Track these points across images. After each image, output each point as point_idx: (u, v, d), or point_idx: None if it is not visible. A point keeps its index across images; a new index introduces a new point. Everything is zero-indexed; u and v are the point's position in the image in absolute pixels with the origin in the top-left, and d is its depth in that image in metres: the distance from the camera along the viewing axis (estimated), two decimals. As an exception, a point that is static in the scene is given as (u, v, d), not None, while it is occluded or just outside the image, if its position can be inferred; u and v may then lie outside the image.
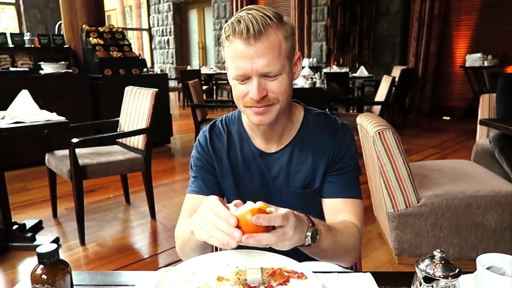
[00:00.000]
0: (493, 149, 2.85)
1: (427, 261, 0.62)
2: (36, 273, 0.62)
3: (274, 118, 0.92)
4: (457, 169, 2.35)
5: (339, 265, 0.95)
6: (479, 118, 3.15)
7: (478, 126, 3.21)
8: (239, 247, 0.72)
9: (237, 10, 9.64)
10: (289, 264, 0.78)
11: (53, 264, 0.62)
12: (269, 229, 0.70)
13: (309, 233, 0.77)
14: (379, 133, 1.95)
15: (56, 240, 2.44)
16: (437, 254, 0.61)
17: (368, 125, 2.08)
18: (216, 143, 1.05)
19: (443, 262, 0.61)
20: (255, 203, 0.73)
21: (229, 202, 1.07)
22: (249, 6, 0.90)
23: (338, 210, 0.97)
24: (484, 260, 0.69)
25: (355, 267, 1.14)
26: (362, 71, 7.24)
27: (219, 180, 1.04)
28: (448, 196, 2.01)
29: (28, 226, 2.56)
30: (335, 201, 0.98)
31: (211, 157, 1.04)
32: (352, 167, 0.99)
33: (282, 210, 0.72)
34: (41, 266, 0.62)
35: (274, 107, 0.90)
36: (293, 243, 0.73)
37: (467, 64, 6.30)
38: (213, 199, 0.74)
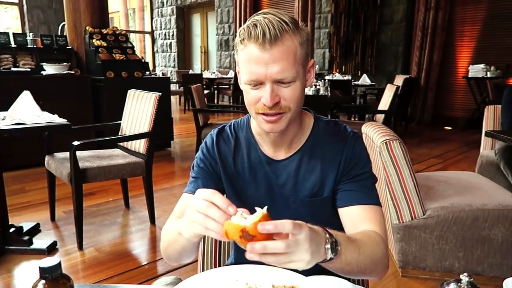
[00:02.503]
0: (499, 162, 2.82)
1: (452, 285, 0.58)
2: (37, 288, 0.59)
3: (285, 126, 0.90)
4: (463, 181, 2.32)
5: (370, 278, 0.91)
6: (484, 129, 3.13)
7: (483, 137, 3.19)
8: (249, 261, 0.67)
9: (240, 15, 9.67)
10: (302, 281, 0.74)
11: (55, 279, 0.59)
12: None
13: (328, 245, 0.71)
14: (386, 143, 1.92)
15: (53, 244, 2.39)
16: (464, 278, 0.57)
17: (374, 135, 2.05)
18: (223, 147, 1.02)
19: (470, 286, 0.57)
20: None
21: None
22: (265, 10, 0.88)
23: (357, 219, 0.92)
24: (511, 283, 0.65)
25: (362, 282, 1.11)
26: (365, 79, 7.23)
27: (219, 186, 1.01)
28: (454, 208, 1.98)
29: (25, 229, 2.52)
30: (353, 209, 0.93)
31: (215, 162, 1.01)
32: (367, 174, 0.96)
33: (297, 221, 0.66)
34: (43, 281, 0.59)
35: (285, 116, 0.88)
36: (312, 259, 0.66)
37: (470, 75, 6.29)
38: (206, 190, 0.71)
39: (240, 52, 0.87)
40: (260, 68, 0.83)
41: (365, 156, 0.97)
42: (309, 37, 0.90)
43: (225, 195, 1.06)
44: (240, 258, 1.09)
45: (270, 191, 1.00)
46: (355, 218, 0.92)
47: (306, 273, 0.79)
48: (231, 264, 1.12)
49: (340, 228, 0.93)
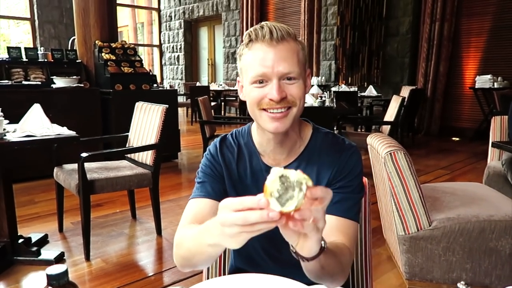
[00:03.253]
0: (506, 172, 2.80)
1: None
2: (44, 295, 0.60)
3: (290, 125, 0.92)
4: (470, 192, 2.31)
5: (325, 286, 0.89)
6: (490, 140, 3.11)
7: (490, 148, 3.17)
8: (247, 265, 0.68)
9: (246, 28, 9.78)
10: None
11: (62, 286, 0.61)
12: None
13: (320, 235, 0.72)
14: (390, 154, 1.93)
15: (61, 255, 2.42)
16: (461, 286, 0.58)
17: (379, 146, 2.06)
18: (226, 153, 1.04)
19: (467, 295, 0.58)
20: None
21: None
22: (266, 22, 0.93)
23: (330, 228, 0.91)
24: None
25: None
26: (371, 91, 7.24)
27: (226, 188, 1.02)
28: (461, 220, 1.97)
29: (33, 240, 2.54)
30: (329, 218, 0.91)
31: (220, 166, 1.03)
32: (353, 188, 0.96)
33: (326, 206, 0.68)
34: (50, 288, 0.60)
35: (291, 111, 0.91)
36: (317, 246, 0.70)
37: (477, 86, 6.28)
38: (228, 200, 0.66)
39: (244, 57, 0.92)
40: (267, 64, 0.87)
41: (357, 170, 0.98)
42: (306, 49, 0.95)
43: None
44: (239, 263, 1.10)
45: None
46: (329, 227, 0.89)
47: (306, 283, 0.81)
48: (232, 268, 1.13)
49: None
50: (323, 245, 0.74)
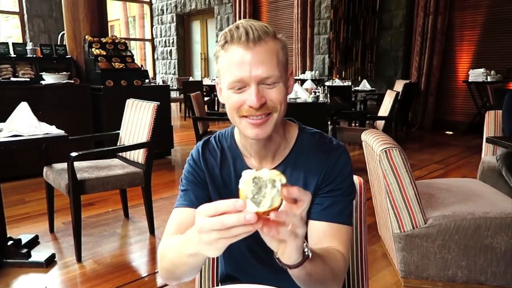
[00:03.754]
0: (500, 168, 2.80)
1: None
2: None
3: (271, 131, 0.87)
4: (465, 189, 2.30)
5: None
6: (484, 135, 3.11)
7: (484, 143, 3.16)
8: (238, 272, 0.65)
9: (240, 22, 9.70)
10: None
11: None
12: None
13: (305, 243, 0.71)
14: (385, 151, 1.90)
15: (52, 257, 2.37)
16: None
17: (373, 143, 2.03)
18: (209, 158, 1.00)
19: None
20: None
21: None
22: (243, 19, 0.88)
23: (323, 235, 0.90)
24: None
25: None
26: (365, 85, 7.23)
27: (210, 195, 0.99)
28: (456, 217, 1.95)
29: (24, 241, 2.50)
30: (321, 224, 0.90)
31: (203, 172, 0.99)
32: (343, 190, 0.93)
33: (305, 210, 0.66)
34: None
35: (272, 117, 0.86)
36: (298, 253, 0.69)
37: (470, 79, 6.28)
38: (203, 206, 0.64)
39: (220, 59, 0.86)
40: (245, 68, 0.81)
41: (347, 171, 0.94)
42: (287, 47, 0.90)
43: None
44: (228, 269, 1.07)
45: None
46: (321, 234, 0.90)
47: None
48: (222, 275, 1.10)
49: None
50: (306, 252, 0.71)
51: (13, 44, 4.51)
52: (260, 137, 0.87)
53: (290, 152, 0.96)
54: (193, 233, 0.68)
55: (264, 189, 0.61)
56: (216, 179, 0.99)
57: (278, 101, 0.85)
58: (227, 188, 0.98)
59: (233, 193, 0.96)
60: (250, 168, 0.96)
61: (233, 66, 0.83)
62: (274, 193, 0.60)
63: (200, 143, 1.03)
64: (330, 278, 0.82)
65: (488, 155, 3.17)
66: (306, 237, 0.91)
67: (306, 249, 0.71)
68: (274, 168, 0.95)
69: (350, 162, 0.96)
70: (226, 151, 1.00)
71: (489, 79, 6.03)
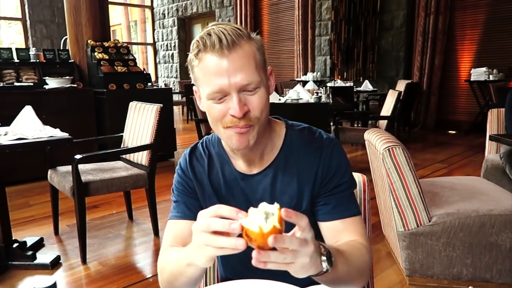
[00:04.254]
0: (504, 166, 2.79)
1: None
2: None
3: (254, 141, 0.85)
4: (469, 187, 2.29)
5: None
6: (488, 133, 3.10)
7: (487, 141, 3.16)
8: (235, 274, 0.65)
9: (241, 25, 9.73)
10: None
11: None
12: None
13: (324, 257, 0.69)
14: (388, 150, 1.90)
15: (57, 259, 2.38)
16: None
17: (376, 142, 2.03)
18: (197, 166, 0.98)
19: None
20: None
21: None
22: (214, 23, 0.84)
23: (339, 232, 0.90)
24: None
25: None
26: (367, 85, 7.23)
27: (202, 204, 0.98)
28: (460, 215, 1.95)
29: (28, 244, 2.51)
30: (334, 223, 0.90)
31: (191, 181, 0.97)
32: (346, 184, 0.92)
33: (308, 233, 0.64)
34: (38, 302, 0.57)
35: (253, 128, 0.83)
36: (310, 269, 0.66)
37: (472, 78, 6.27)
38: (207, 209, 0.66)
39: (196, 69, 0.83)
40: (223, 77, 0.78)
41: (343, 164, 0.93)
42: (263, 45, 0.87)
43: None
44: (227, 273, 1.06)
45: (249, 207, 0.97)
46: (337, 232, 0.90)
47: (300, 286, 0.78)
48: (222, 278, 1.10)
49: (321, 239, 0.92)
50: (325, 268, 0.70)
51: (17, 49, 4.55)
52: (242, 147, 0.85)
53: (279, 153, 0.94)
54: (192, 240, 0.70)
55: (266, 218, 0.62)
56: (205, 187, 0.97)
57: (260, 109, 0.82)
58: (217, 195, 0.97)
59: (223, 200, 0.96)
60: (239, 172, 0.95)
61: (210, 76, 0.79)
62: (274, 219, 0.61)
63: (187, 150, 1.02)
64: (357, 275, 0.82)
65: (492, 153, 3.16)
66: (323, 241, 0.91)
67: (324, 264, 0.70)
68: (264, 170, 0.94)
69: (344, 153, 0.95)
70: (213, 157, 0.99)
71: (491, 77, 6.02)
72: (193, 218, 0.92)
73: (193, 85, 0.92)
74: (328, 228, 0.91)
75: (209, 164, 0.98)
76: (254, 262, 0.60)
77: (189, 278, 0.80)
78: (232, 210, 0.64)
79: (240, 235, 0.62)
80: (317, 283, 0.80)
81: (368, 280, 0.90)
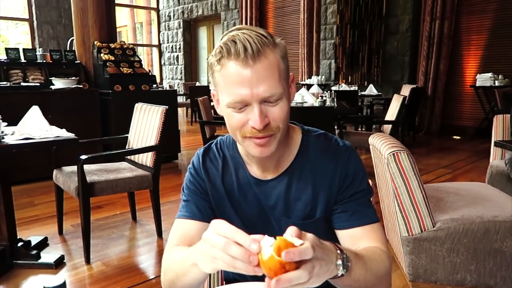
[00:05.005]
0: (509, 172, 2.78)
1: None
2: (41, 308, 0.58)
3: (275, 148, 0.85)
4: (473, 192, 2.29)
5: None
6: (493, 139, 3.09)
7: (492, 147, 3.15)
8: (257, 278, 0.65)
9: (246, 27, 9.76)
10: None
11: (59, 299, 0.59)
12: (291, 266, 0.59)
13: (339, 262, 0.68)
14: (393, 154, 1.90)
15: (61, 259, 2.39)
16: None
17: (381, 146, 2.03)
18: (210, 168, 0.98)
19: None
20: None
21: None
22: (238, 27, 0.82)
23: (358, 239, 0.89)
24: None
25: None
26: (371, 89, 7.22)
27: (212, 206, 0.97)
28: (465, 220, 1.94)
29: (33, 243, 2.52)
30: (353, 231, 0.90)
31: (204, 182, 0.97)
32: (364, 192, 0.92)
33: (309, 239, 0.62)
34: (47, 301, 0.58)
35: (274, 137, 0.83)
36: (324, 276, 0.64)
37: (478, 84, 6.25)
38: (224, 223, 0.64)
39: (217, 74, 0.81)
40: (245, 87, 0.76)
41: (360, 171, 0.93)
42: (286, 51, 0.85)
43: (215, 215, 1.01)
44: (232, 274, 1.05)
45: (262, 213, 0.96)
46: (356, 239, 0.90)
47: None
48: (226, 277, 1.10)
49: None
50: (340, 273, 0.69)
51: (24, 49, 4.59)
52: (264, 155, 0.85)
53: (294, 159, 0.93)
54: (200, 241, 0.69)
55: None
56: (218, 189, 0.97)
57: (281, 120, 0.81)
58: (230, 198, 0.96)
59: (236, 203, 0.96)
60: (253, 177, 0.95)
61: (232, 85, 0.78)
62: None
63: (201, 150, 1.01)
64: (375, 280, 0.80)
65: (497, 159, 3.15)
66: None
67: (340, 268, 0.69)
68: (279, 176, 0.94)
69: (361, 161, 0.95)
70: (228, 159, 0.98)
71: (496, 83, 6.00)
72: (202, 219, 0.93)
73: (209, 84, 0.91)
74: (347, 236, 0.91)
75: (223, 166, 0.97)
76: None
77: (193, 278, 0.79)
78: (247, 239, 0.61)
79: None
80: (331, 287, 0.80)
81: (390, 287, 0.89)
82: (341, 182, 0.91)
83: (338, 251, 0.70)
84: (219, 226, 0.64)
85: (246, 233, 0.65)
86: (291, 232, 0.61)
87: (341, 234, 0.92)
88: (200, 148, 1.03)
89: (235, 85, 0.77)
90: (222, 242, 0.61)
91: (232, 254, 0.60)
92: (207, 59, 0.85)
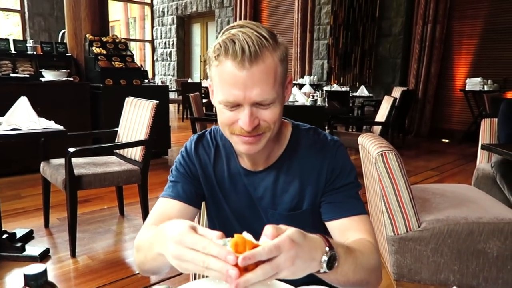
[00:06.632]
0: (495, 175, 2.82)
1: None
2: (21, 295, 0.58)
3: (263, 147, 0.86)
4: (459, 194, 2.32)
5: None
6: (480, 142, 3.13)
7: (479, 150, 3.19)
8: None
9: (240, 25, 9.75)
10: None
11: (40, 286, 0.58)
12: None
13: (325, 258, 0.67)
14: (381, 154, 1.92)
15: (46, 252, 2.37)
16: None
17: (370, 146, 2.05)
18: (202, 154, 0.99)
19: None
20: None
21: (218, 217, 1.02)
22: (240, 23, 0.81)
23: (347, 230, 0.90)
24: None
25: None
26: (363, 91, 7.27)
27: (199, 191, 0.98)
28: (450, 221, 1.97)
29: (18, 236, 2.50)
30: (342, 222, 0.91)
31: (195, 167, 0.98)
32: (352, 185, 0.93)
33: (278, 238, 0.60)
34: (27, 288, 0.58)
35: (264, 135, 0.84)
36: (301, 272, 0.64)
37: (467, 88, 6.33)
38: (180, 221, 0.65)
39: (214, 68, 0.81)
40: (239, 89, 0.77)
41: (348, 165, 0.94)
42: (287, 52, 0.84)
43: (204, 202, 1.03)
44: None
45: (251, 203, 0.97)
46: (344, 230, 0.90)
47: (297, 283, 0.78)
48: None
49: None
50: (322, 270, 0.68)
51: (14, 40, 4.53)
52: (251, 152, 0.86)
53: (283, 152, 0.95)
54: (165, 236, 0.66)
55: None
56: (209, 176, 0.98)
57: (272, 121, 0.82)
58: (220, 186, 0.98)
59: (226, 192, 0.98)
60: (243, 168, 0.96)
61: (226, 84, 0.78)
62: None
63: (195, 136, 1.02)
64: (365, 274, 0.80)
65: (483, 162, 3.20)
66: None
67: (324, 264, 0.68)
68: (268, 168, 0.95)
69: (348, 156, 0.96)
70: (220, 148, 0.99)
71: (486, 88, 6.08)
72: (185, 201, 0.94)
73: (201, 82, 0.91)
74: (335, 227, 0.91)
75: (215, 155, 0.99)
76: None
77: (161, 264, 0.77)
78: (222, 253, 0.59)
79: None
80: (317, 282, 0.79)
81: (380, 281, 0.89)
82: (328, 174, 0.92)
83: (327, 248, 0.69)
84: (188, 241, 0.62)
85: (235, 222, 0.65)
86: (267, 233, 0.61)
87: (330, 225, 0.93)
88: (194, 134, 1.03)
89: (229, 85, 0.78)
90: (201, 259, 0.60)
91: (211, 267, 0.59)
92: (207, 52, 0.86)
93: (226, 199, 0.99)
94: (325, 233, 0.91)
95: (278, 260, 0.60)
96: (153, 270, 0.84)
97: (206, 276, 1.14)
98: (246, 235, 0.62)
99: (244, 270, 0.59)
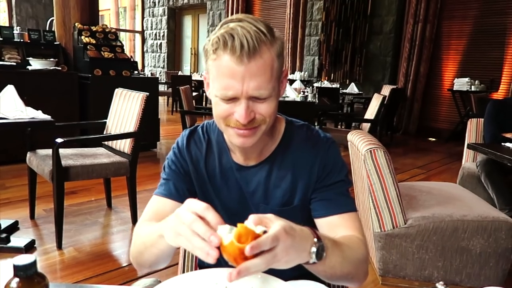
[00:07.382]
0: (480, 174, 2.88)
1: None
2: (11, 286, 0.57)
3: (258, 140, 0.87)
4: (445, 192, 2.36)
5: (351, 284, 0.89)
6: (466, 142, 3.19)
7: (465, 149, 3.25)
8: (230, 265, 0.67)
9: (232, 19, 9.68)
10: (281, 287, 0.74)
11: (29, 277, 0.58)
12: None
13: (314, 249, 0.70)
14: (370, 151, 1.94)
15: (31, 243, 2.34)
16: (440, 286, 0.58)
17: (359, 143, 2.07)
18: (194, 150, 0.99)
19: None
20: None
21: None
22: (239, 16, 0.82)
23: (336, 227, 0.91)
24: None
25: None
26: (352, 88, 7.31)
27: (191, 188, 0.99)
28: (435, 218, 2.01)
29: (3, 226, 2.45)
30: (332, 219, 0.92)
31: (186, 163, 0.98)
32: (343, 182, 0.94)
33: (274, 228, 0.64)
34: (17, 279, 0.57)
35: (259, 128, 0.85)
36: (293, 262, 0.67)
37: (455, 88, 6.41)
38: (197, 201, 0.68)
39: (210, 61, 0.82)
40: (236, 83, 0.78)
41: (340, 162, 0.95)
42: (283, 46, 0.86)
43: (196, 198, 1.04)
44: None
45: (242, 198, 0.98)
46: (334, 227, 0.91)
47: (286, 277, 0.79)
48: (200, 264, 1.11)
49: None
50: (312, 261, 0.71)
51: (0, 27, 4.42)
52: (246, 145, 0.87)
53: (276, 147, 0.96)
54: (170, 215, 0.72)
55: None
56: (200, 172, 0.98)
57: (268, 115, 0.83)
58: (211, 181, 0.98)
59: (217, 187, 0.98)
60: (236, 163, 0.97)
61: (223, 77, 0.79)
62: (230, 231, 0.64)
63: (186, 132, 1.02)
64: (352, 268, 0.82)
65: (469, 161, 3.25)
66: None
67: (313, 255, 0.71)
68: (260, 163, 0.96)
69: (340, 153, 0.97)
70: (212, 143, 0.99)
71: (473, 88, 6.17)
72: (178, 199, 0.94)
73: (192, 74, 0.91)
74: (325, 224, 0.92)
75: (207, 150, 0.99)
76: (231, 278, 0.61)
77: (160, 250, 0.81)
78: (216, 218, 0.66)
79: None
80: (306, 275, 0.82)
81: (367, 275, 0.91)
82: (320, 171, 0.93)
83: (315, 239, 0.71)
84: (192, 203, 0.68)
85: (226, 218, 0.67)
86: (251, 220, 0.65)
87: (319, 222, 0.94)
88: (185, 129, 1.03)
89: (226, 78, 0.78)
90: (190, 218, 0.65)
91: (195, 230, 0.65)
92: (204, 44, 0.86)
93: (217, 194, 0.99)
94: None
95: (276, 250, 0.63)
96: (150, 260, 0.86)
97: (196, 269, 1.15)
98: (250, 225, 0.64)
99: (221, 250, 0.63)
